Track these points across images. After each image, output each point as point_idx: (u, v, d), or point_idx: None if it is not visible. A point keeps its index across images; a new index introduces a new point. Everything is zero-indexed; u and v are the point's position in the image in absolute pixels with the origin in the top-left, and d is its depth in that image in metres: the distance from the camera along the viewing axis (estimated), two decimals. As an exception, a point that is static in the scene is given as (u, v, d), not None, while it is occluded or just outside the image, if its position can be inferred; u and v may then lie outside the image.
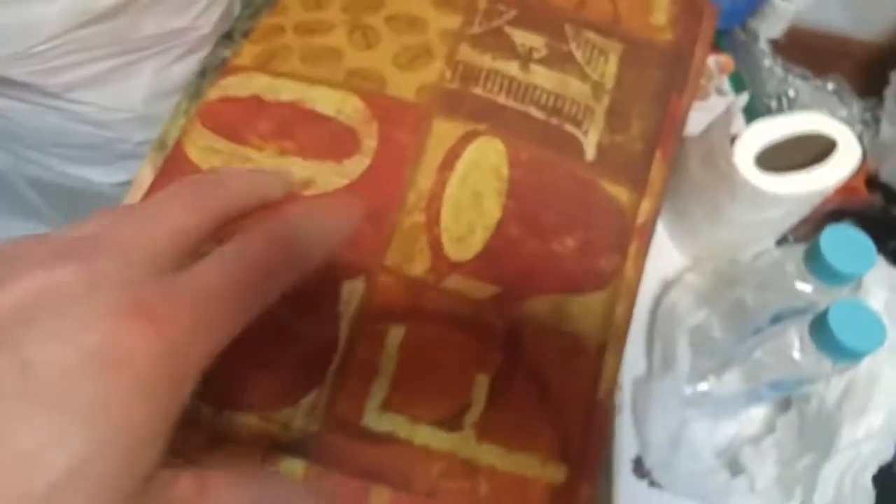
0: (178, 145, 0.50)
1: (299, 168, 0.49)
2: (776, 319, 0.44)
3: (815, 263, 0.41)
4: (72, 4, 0.42)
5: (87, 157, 0.59)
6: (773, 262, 0.45)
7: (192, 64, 0.54)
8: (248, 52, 0.55)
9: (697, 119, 0.58)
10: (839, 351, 0.38)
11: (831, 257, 0.40)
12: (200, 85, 0.54)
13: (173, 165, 0.50)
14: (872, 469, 0.47)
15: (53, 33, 0.43)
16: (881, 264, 0.50)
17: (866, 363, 0.46)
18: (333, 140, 0.51)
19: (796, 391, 0.44)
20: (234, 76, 0.53)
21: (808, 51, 0.66)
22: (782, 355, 0.41)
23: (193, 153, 0.50)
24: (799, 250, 0.43)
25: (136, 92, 0.51)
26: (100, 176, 0.61)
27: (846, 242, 0.41)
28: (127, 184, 0.63)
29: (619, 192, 0.52)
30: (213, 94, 0.52)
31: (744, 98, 0.51)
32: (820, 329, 0.38)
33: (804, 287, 0.42)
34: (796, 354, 0.40)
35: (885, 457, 0.47)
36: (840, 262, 0.40)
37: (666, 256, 0.57)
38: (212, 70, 0.54)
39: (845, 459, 0.46)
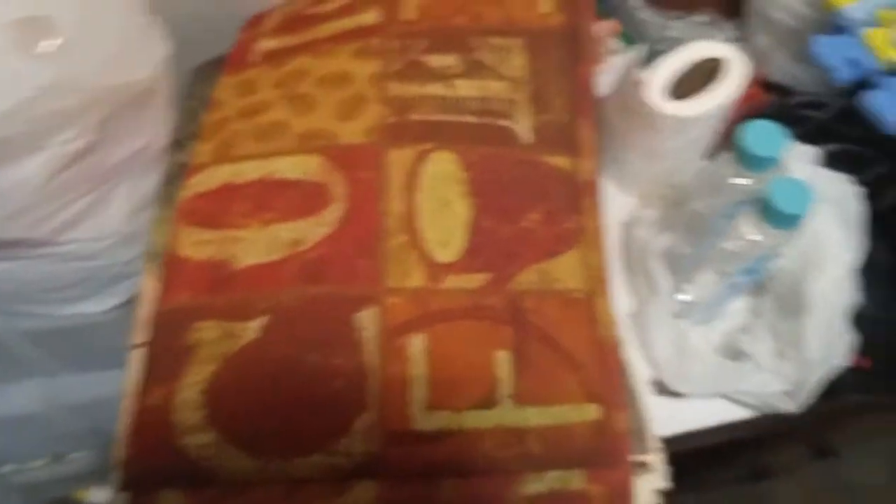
0: (171, 249, 0.55)
1: (286, 232, 0.55)
2: (728, 217, 0.50)
3: (742, 157, 0.48)
4: (51, 154, 0.47)
5: (79, 292, 0.62)
6: (710, 170, 0.52)
7: (156, 176, 0.59)
8: (203, 149, 0.60)
9: (603, 81, 0.65)
10: (782, 218, 0.45)
11: (752, 147, 0.47)
12: (170, 192, 0.58)
13: (174, 268, 0.54)
14: (846, 314, 0.53)
15: (39, 185, 0.47)
16: (795, 145, 0.57)
17: (811, 227, 0.53)
18: (307, 198, 0.56)
19: (764, 270, 0.51)
20: (200, 173, 0.58)
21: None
22: (742, 241, 0.47)
23: (187, 250, 0.55)
24: (727, 154, 0.50)
25: (115, 216, 0.55)
26: (93, 306, 0.64)
27: (759, 132, 0.48)
28: (120, 307, 0.66)
29: (561, 161, 0.59)
30: (185, 194, 0.57)
31: (643, 48, 0.58)
32: (764, 207, 0.45)
33: (740, 181, 0.49)
34: (752, 236, 0.47)
35: (854, 300, 0.54)
36: (759, 148, 0.47)
37: (618, 203, 0.64)
38: (175, 176, 0.59)
39: (820, 314, 0.52)
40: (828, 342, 0.52)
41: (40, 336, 0.71)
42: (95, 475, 1.01)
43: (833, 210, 0.54)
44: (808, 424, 0.57)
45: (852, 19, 0.55)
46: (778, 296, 0.56)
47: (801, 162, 0.55)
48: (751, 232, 0.47)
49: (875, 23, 0.55)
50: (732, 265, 0.49)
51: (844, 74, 0.55)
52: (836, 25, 0.56)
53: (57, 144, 0.47)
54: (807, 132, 0.65)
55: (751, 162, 0.47)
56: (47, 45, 0.43)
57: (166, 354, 0.51)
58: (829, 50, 0.55)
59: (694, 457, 0.52)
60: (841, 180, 0.56)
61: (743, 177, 0.49)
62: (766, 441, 0.61)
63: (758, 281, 0.55)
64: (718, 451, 0.60)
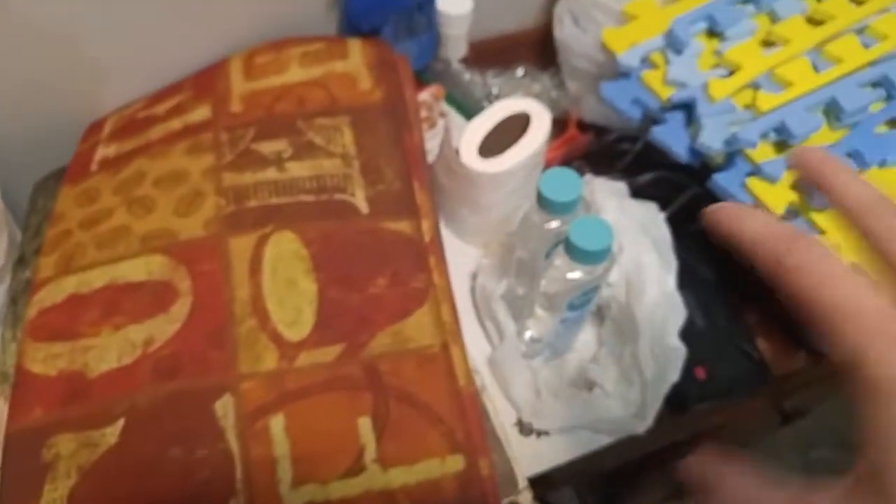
0: (20, 368, 0.55)
1: (135, 333, 0.55)
2: (546, 258, 0.54)
3: (544, 204, 0.52)
4: None
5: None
6: (524, 219, 0.56)
7: (-1, 298, 0.59)
8: (46, 264, 0.60)
9: (437, 143, 0.69)
10: (587, 255, 0.49)
11: (550, 194, 0.51)
12: (15, 311, 0.58)
13: (23, 387, 0.54)
14: (675, 330, 0.58)
15: None
16: (604, 182, 0.63)
17: (629, 256, 0.58)
18: (155, 297, 0.57)
19: (589, 303, 0.55)
20: (44, 288, 0.59)
21: (494, 53, 0.81)
22: (560, 280, 0.52)
23: (37, 367, 0.55)
24: (533, 203, 0.54)
25: (-42, 345, 0.56)
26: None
27: (555, 179, 0.52)
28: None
29: (401, 225, 0.62)
30: (31, 311, 0.57)
31: (452, 113, 0.63)
32: (569, 247, 0.49)
33: (551, 224, 0.54)
34: (568, 274, 0.51)
35: (681, 317, 0.59)
36: (556, 195, 0.51)
37: (464, 256, 0.68)
38: (20, 294, 0.59)
39: (648, 333, 0.57)
40: (661, 360, 0.56)
41: None
42: None
43: (645, 237, 0.59)
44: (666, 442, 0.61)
45: (629, 65, 0.61)
46: (615, 323, 0.60)
47: (611, 198, 0.60)
48: (566, 270, 0.51)
49: (649, 65, 0.61)
50: (559, 302, 0.53)
51: (633, 114, 0.61)
52: (619, 71, 0.62)
53: None
54: (627, 164, 0.72)
55: (552, 207, 0.52)
56: None
57: (20, 477, 0.50)
58: (616, 93, 0.61)
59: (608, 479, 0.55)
60: (649, 208, 0.61)
61: (550, 221, 0.53)
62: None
63: (588, 313, 0.60)
64: (625, 473, 0.63)
